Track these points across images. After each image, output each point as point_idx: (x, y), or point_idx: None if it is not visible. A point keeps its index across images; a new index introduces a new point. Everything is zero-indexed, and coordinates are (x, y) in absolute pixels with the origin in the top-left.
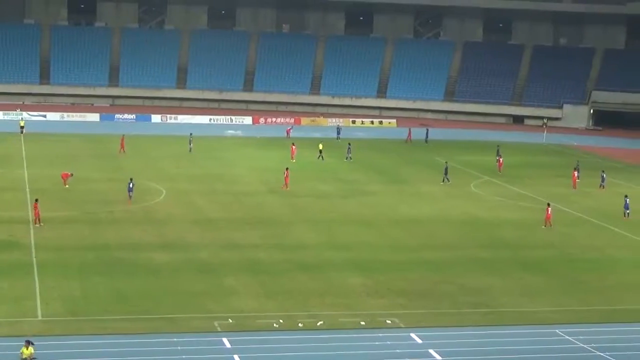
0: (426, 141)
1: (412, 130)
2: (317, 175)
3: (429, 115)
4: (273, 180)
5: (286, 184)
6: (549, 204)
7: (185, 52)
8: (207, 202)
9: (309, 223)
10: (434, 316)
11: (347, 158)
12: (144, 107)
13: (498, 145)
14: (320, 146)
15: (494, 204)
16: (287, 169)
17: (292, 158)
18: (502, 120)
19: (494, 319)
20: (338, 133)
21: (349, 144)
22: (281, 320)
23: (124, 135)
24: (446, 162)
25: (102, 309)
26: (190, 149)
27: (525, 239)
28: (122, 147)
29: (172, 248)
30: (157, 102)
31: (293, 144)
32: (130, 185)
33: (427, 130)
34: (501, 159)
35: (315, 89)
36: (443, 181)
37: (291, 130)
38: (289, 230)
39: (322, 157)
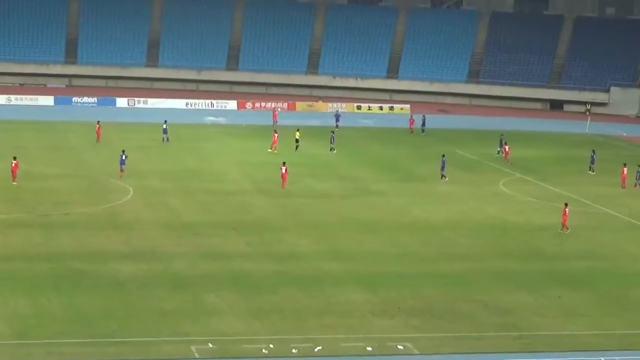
0: (422, 131)
1: (415, 117)
2: (313, 171)
3: (449, 100)
4: (262, 177)
5: (284, 182)
6: (566, 204)
7: (157, 22)
8: (183, 203)
9: (304, 228)
10: (453, 340)
11: (330, 149)
12: (107, 88)
13: (502, 134)
14: (297, 134)
15: (526, 205)
16: (284, 163)
17: (272, 148)
18: (537, 105)
19: (525, 344)
20: (337, 120)
21: (332, 132)
22: (271, 345)
23: (99, 121)
24: (443, 156)
25: (57, 331)
26: (166, 138)
27: (562, 248)
28: (99, 135)
29: (141, 258)
30: (122, 83)
31: (275, 131)
32: (123, 158)
33: (424, 117)
34: (507, 147)
35: (312, 67)
36: (441, 178)
37: (278, 114)
38: (281, 236)
39: (298, 146)
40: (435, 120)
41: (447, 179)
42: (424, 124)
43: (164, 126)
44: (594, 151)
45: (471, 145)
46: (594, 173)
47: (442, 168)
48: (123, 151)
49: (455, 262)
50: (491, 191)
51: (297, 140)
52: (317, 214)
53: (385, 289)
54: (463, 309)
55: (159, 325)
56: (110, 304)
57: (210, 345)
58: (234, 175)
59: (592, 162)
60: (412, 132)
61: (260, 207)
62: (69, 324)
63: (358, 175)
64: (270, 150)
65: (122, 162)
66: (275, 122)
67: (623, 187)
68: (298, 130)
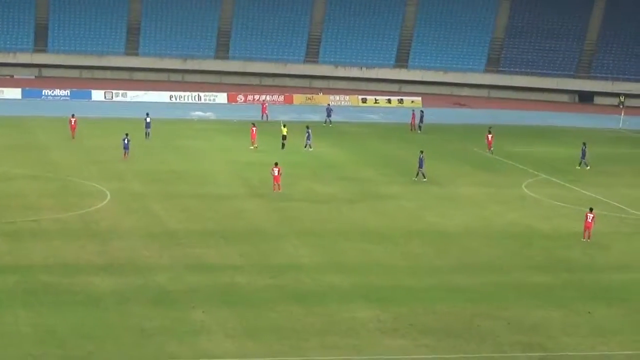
0: (419, 128)
1: (416, 112)
2: (313, 171)
3: (466, 91)
4: (256, 178)
5: (277, 184)
6: (591, 209)
7: (138, 5)
8: (167, 209)
9: (304, 236)
10: None
11: (305, 146)
12: (82, 80)
13: (490, 127)
14: (284, 130)
15: (553, 210)
16: (276, 163)
17: (252, 144)
18: (564, 97)
19: None
20: (328, 115)
21: (308, 127)
22: None
23: (74, 115)
24: (421, 152)
25: (25, 353)
26: (148, 133)
27: (594, 258)
28: (73, 131)
29: (119, 270)
30: (99, 74)
31: (254, 125)
32: (126, 142)
33: (422, 113)
34: (490, 136)
35: (312, 55)
36: (417, 176)
37: (267, 107)
38: (278, 246)
39: (284, 144)
40: (450, 115)
41: (425, 179)
42: (422, 120)
43: (147, 120)
44: (584, 144)
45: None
46: (588, 168)
47: (420, 165)
48: (126, 135)
49: (474, 275)
50: (513, 194)
51: (283, 137)
52: (319, 220)
53: (395, 305)
54: (483, 326)
55: (140, 346)
56: (85, 322)
57: None
58: (224, 177)
59: (583, 156)
60: (413, 128)
61: (254, 212)
62: (38, 344)
63: (364, 176)
64: (252, 147)
65: (126, 147)
66: (265, 116)
67: None
68: (284, 125)
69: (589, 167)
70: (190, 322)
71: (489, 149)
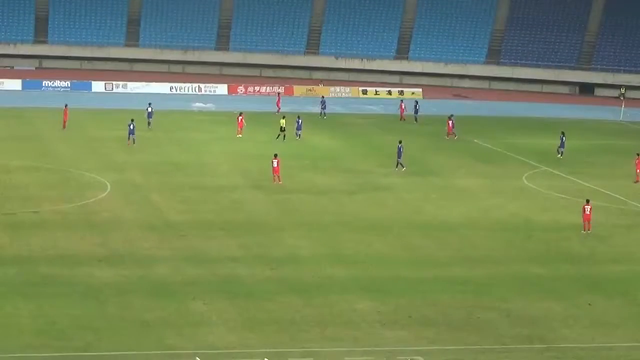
0: (415, 119)
1: (406, 102)
2: (313, 163)
3: (466, 83)
4: (256, 170)
5: (277, 176)
6: (588, 201)
7: None
8: (167, 200)
9: (303, 228)
10: (471, 354)
11: (297, 136)
12: (82, 71)
13: (451, 115)
14: (283, 122)
15: (553, 202)
16: (275, 155)
17: (238, 133)
18: (565, 89)
19: (552, 358)
20: (323, 107)
21: (298, 117)
22: (267, 359)
23: (66, 105)
24: (400, 142)
25: (25, 344)
26: (149, 123)
27: (594, 250)
28: (65, 121)
29: (119, 262)
30: (99, 65)
31: (240, 114)
32: (131, 127)
33: (417, 103)
34: (450, 122)
35: (312, 47)
36: (397, 166)
37: (280, 101)
38: (278, 237)
39: (284, 135)
40: (451, 106)
41: (404, 168)
42: (417, 111)
43: (149, 109)
44: (563, 133)
45: (491, 134)
46: (560, 157)
47: (399, 156)
48: (132, 120)
49: (474, 266)
50: (514, 186)
51: (282, 129)
52: (318, 212)
53: (395, 296)
54: (483, 318)
55: (140, 337)
56: (85, 314)
57: None
58: (224, 169)
59: (562, 145)
60: (403, 119)
61: (253, 204)
62: (38, 335)
63: (364, 168)
64: (239, 136)
65: (132, 132)
66: (278, 110)
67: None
68: (284, 117)
69: (561, 157)
70: (190, 313)
71: (449, 135)
